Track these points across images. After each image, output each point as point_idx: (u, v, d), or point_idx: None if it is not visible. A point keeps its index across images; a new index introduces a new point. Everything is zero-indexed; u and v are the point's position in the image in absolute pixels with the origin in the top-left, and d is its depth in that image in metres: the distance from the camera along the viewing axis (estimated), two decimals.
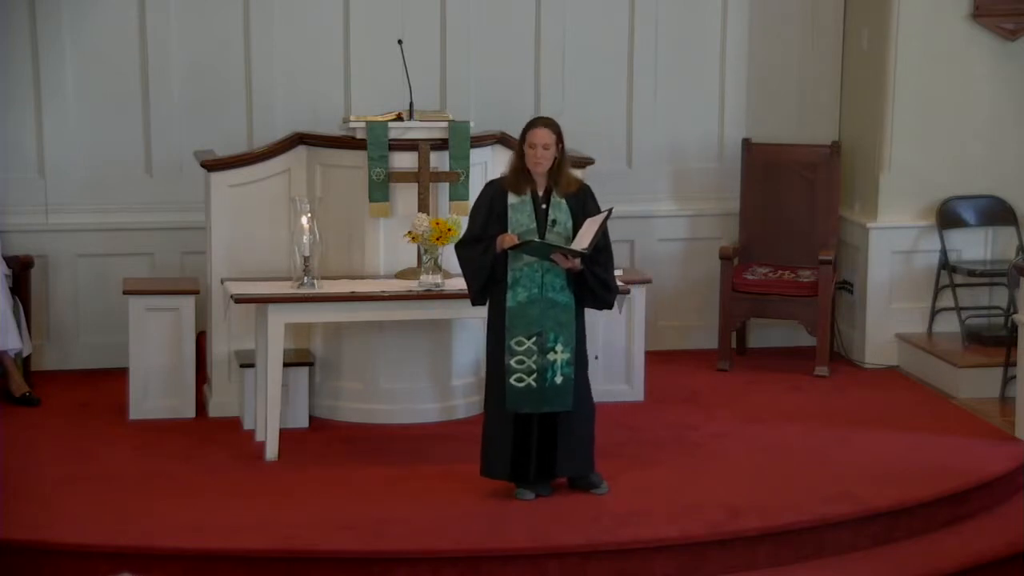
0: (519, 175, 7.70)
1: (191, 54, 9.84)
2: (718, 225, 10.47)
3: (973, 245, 10.21)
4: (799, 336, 10.25)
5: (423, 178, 8.73)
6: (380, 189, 8.72)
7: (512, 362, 7.67)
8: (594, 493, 7.85)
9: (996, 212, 10.16)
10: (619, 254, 10.03)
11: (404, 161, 8.74)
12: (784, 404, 9.40)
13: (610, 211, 7.68)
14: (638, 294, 9.26)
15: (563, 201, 7.69)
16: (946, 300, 10.08)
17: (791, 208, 10.31)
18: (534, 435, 7.73)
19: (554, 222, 7.67)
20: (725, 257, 10.02)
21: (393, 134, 8.72)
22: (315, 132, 9.04)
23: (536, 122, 7.72)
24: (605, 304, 7.86)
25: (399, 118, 8.79)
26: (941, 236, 10.09)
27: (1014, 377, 9.12)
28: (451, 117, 8.93)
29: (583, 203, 7.72)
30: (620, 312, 8.97)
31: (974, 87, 10.08)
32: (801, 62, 10.51)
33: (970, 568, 7.56)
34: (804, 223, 10.29)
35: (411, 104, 8.83)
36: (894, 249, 10.14)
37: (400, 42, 8.94)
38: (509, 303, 7.66)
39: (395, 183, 8.74)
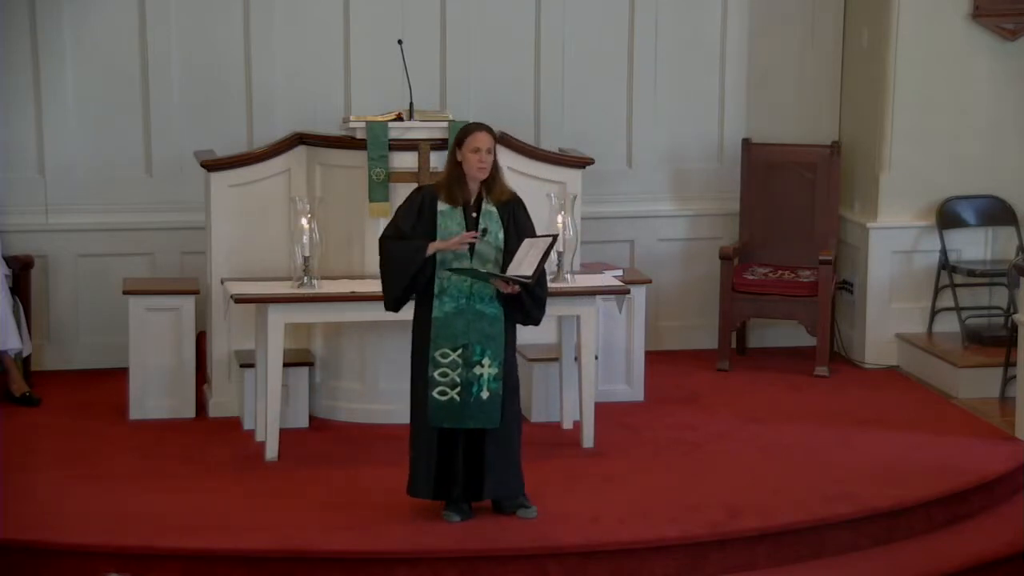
0: (456, 183, 7.40)
1: (191, 54, 9.84)
2: (718, 225, 10.47)
3: (973, 245, 10.21)
4: (799, 336, 10.24)
5: (423, 178, 8.72)
6: (380, 189, 8.72)
7: (435, 374, 7.39)
8: (521, 516, 7.54)
9: (996, 212, 10.16)
10: (619, 254, 10.11)
11: (404, 161, 8.74)
12: (784, 404, 9.40)
13: (555, 238, 7.44)
14: (638, 294, 9.24)
15: (494, 210, 7.41)
16: (946, 300, 10.07)
17: (791, 208, 10.31)
18: (459, 453, 7.46)
19: (484, 231, 7.39)
20: (725, 257, 10.02)
21: (393, 134, 8.72)
22: (315, 132, 9.04)
23: (475, 127, 7.38)
24: (533, 321, 7.53)
25: (399, 118, 8.79)
26: (941, 236, 10.09)
27: (1014, 377, 9.12)
28: (451, 117, 8.92)
29: (513, 213, 7.43)
30: (620, 312, 8.98)
31: (974, 87, 10.08)
32: (801, 62, 10.50)
33: (970, 568, 7.55)
34: (804, 223, 10.29)
35: (411, 104, 8.83)
36: (894, 249, 10.14)
37: (400, 42, 8.94)
38: (435, 313, 7.38)
39: (395, 183, 8.74)
